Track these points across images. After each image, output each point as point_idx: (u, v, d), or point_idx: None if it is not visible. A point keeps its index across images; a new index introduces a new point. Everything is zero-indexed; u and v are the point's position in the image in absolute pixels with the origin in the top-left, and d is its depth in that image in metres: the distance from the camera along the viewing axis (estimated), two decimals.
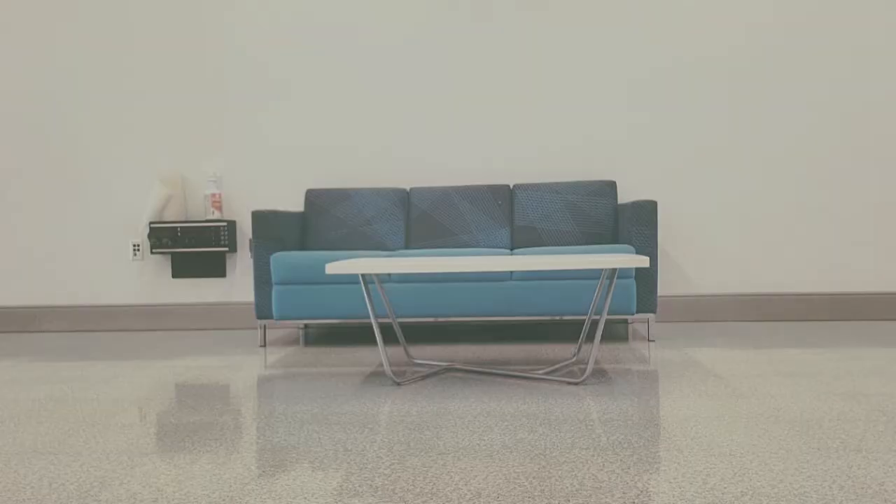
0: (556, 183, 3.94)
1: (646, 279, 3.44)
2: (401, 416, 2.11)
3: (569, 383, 2.53)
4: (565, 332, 3.90)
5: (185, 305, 4.30)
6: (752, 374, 2.64)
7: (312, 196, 4.03)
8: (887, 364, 2.78)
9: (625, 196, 4.15)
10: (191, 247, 4.15)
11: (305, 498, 1.47)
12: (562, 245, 3.85)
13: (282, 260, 3.45)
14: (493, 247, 3.86)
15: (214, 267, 4.28)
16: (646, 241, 3.43)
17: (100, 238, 4.35)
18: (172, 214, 4.20)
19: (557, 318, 3.44)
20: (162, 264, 4.32)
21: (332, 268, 2.44)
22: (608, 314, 3.47)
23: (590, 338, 3.58)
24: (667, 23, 4.13)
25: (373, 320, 2.59)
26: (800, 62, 4.09)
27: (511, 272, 3.41)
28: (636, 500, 1.42)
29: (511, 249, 3.86)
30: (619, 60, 4.14)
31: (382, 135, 4.23)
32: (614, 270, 2.57)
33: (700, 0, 4.11)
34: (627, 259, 2.39)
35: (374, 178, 4.24)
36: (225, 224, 4.14)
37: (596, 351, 2.56)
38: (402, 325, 4.20)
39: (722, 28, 4.10)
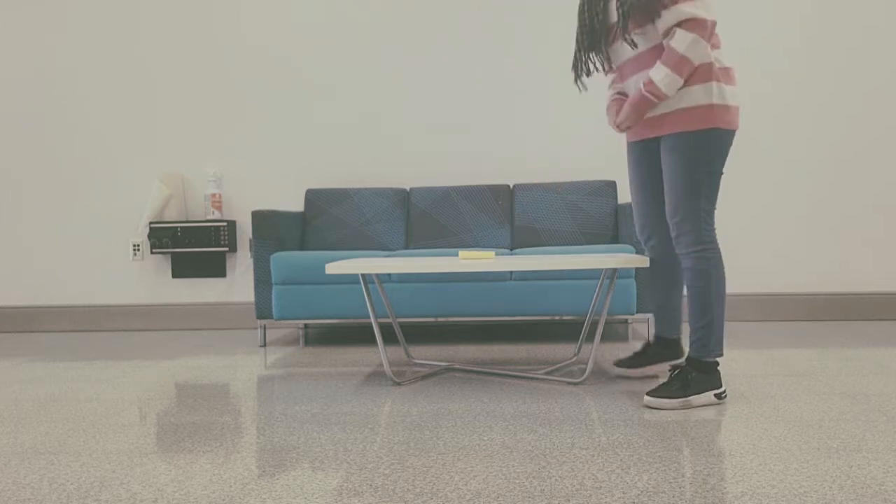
0: (556, 183, 3.94)
1: (646, 279, 3.44)
2: (401, 416, 2.11)
3: (569, 383, 2.53)
4: (565, 332, 3.90)
5: (185, 305, 4.30)
6: (751, 373, 2.64)
7: (312, 196, 4.03)
8: (887, 364, 2.78)
9: (625, 196, 4.15)
10: (191, 247, 4.15)
11: (305, 498, 1.47)
12: (562, 245, 3.85)
13: (282, 260, 3.45)
14: (493, 247, 3.86)
15: (214, 267, 4.28)
16: None
17: (100, 238, 4.35)
18: (172, 214, 4.20)
19: (557, 318, 3.44)
20: (162, 264, 4.32)
21: (332, 268, 2.44)
22: (608, 314, 3.47)
23: (590, 338, 3.58)
24: None
25: (373, 320, 2.59)
26: (800, 62, 4.09)
27: (511, 272, 3.41)
28: (636, 500, 1.42)
29: (511, 249, 3.86)
30: None
31: (383, 135, 4.23)
32: (614, 270, 2.57)
33: None
34: (627, 259, 2.39)
35: (374, 178, 4.24)
36: (225, 224, 4.14)
37: (596, 351, 2.55)
38: (402, 325, 4.20)
39: (721, 28, 4.09)
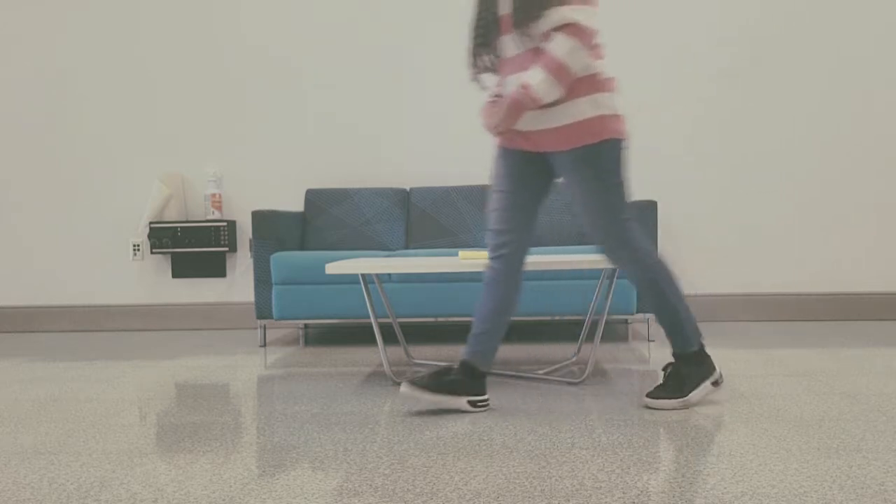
0: (556, 182, 3.94)
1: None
2: (401, 416, 2.12)
3: (569, 383, 2.53)
4: (565, 332, 3.90)
5: (185, 305, 4.30)
6: (751, 373, 2.64)
7: (312, 196, 4.03)
8: (887, 364, 2.78)
9: None
10: (191, 247, 4.15)
11: (305, 498, 1.47)
12: (562, 245, 3.85)
13: (282, 260, 3.45)
14: None
15: (214, 267, 4.28)
16: None
17: (100, 238, 4.35)
18: (172, 214, 4.20)
19: (557, 318, 3.44)
20: (162, 264, 4.32)
21: (332, 268, 2.44)
22: (608, 314, 3.47)
23: (590, 338, 3.58)
24: (663, 21, 4.12)
25: (373, 320, 2.59)
26: (799, 60, 4.09)
27: None
28: (636, 500, 1.42)
29: None
30: (617, 60, 4.14)
31: (383, 134, 4.23)
32: (614, 270, 2.57)
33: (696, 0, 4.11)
34: None
35: (374, 178, 4.24)
36: (225, 224, 4.14)
37: (596, 351, 2.56)
38: (402, 325, 4.20)
39: (718, 27, 4.09)
